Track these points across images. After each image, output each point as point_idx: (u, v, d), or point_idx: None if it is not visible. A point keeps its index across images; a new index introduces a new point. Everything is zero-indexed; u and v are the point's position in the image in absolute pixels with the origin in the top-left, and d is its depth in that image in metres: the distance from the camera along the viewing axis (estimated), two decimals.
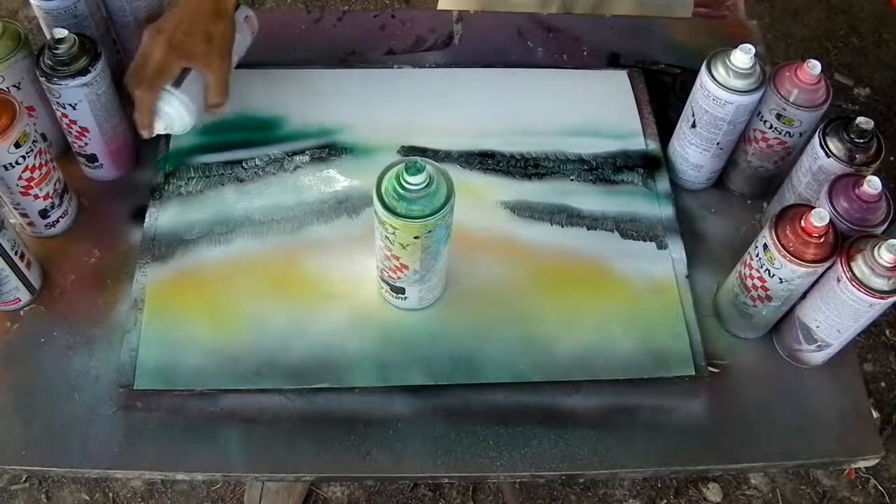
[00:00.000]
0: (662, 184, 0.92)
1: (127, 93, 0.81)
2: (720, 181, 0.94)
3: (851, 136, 0.78)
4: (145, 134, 0.83)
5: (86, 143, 0.85)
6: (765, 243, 0.73)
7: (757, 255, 0.75)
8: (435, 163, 0.71)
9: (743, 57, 0.80)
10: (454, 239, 0.76)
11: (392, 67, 1.01)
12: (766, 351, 0.83)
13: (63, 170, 0.84)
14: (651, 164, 0.94)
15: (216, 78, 0.82)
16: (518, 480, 1.38)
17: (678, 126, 0.91)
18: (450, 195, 0.70)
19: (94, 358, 0.79)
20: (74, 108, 0.81)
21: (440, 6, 1.27)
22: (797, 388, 0.81)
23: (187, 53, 0.80)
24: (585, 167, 0.93)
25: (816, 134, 0.80)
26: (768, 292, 0.76)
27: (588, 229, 0.88)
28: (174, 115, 0.81)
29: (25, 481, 1.50)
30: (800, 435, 0.79)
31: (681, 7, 1.17)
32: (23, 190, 0.79)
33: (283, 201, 0.89)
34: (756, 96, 0.82)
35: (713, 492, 1.55)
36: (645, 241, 0.88)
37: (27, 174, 0.78)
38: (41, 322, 0.81)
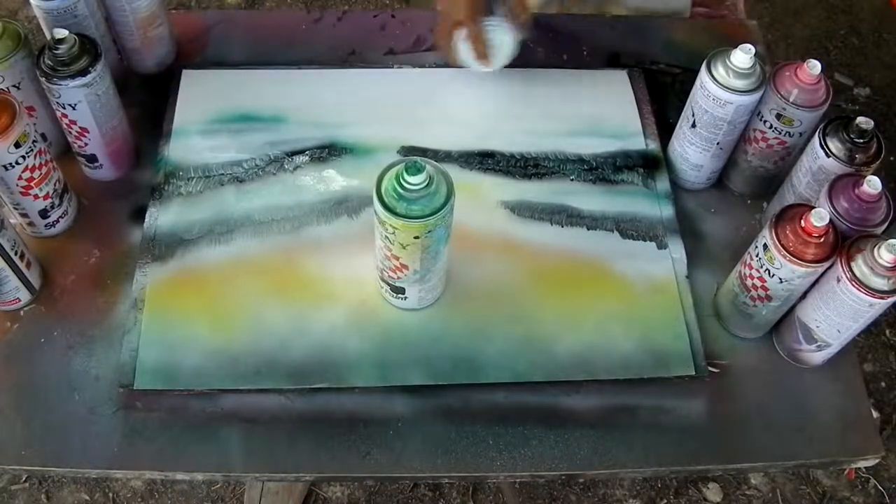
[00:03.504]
0: (662, 184, 0.92)
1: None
2: (720, 181, 0.94)
3: (851, 136, 0.78)
4: (485, 66, 0.90)
5: (86, 144, 0.85)
6: (765, 243, 0.73)
7: (757, 255, 0.75)
8: (435, 163, 0.71)
9: (743, 57, 0.80)
10: (454, 239, 0.76)
11: (392, 67, 1.01)
12: (766, 351, 0.83)
13: (63, 170, 0.84)
14: (651, 164, 0.94)
15: None
16: (518, 480, 1.38)
17: (678, 126, 0.91)
18: (450, 195, 0.70)
19: (94, 358, 0.79)
20: (74, 109, 0.81)
21: None
22: (797, 388, 0.81)
23: None
24: (585, 167, 0.93)
25: (816, 134, 0.80)
26: (768, 292, 0.76)
27: (588, 229, 0.88)
28: (507, 42, 0.89)
29: (25, 481, 1.50)
30: (800, 435, 0.79)
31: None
32: (23, 190, 0.79)
33: (283, 201, 0.88)
34: (756, 96, 0.82)
35: (713, 492, 1.55)
36: (645, 241, 0.88)
37: (27, 174, 0.78)
38: (41, 322, 0.81)
